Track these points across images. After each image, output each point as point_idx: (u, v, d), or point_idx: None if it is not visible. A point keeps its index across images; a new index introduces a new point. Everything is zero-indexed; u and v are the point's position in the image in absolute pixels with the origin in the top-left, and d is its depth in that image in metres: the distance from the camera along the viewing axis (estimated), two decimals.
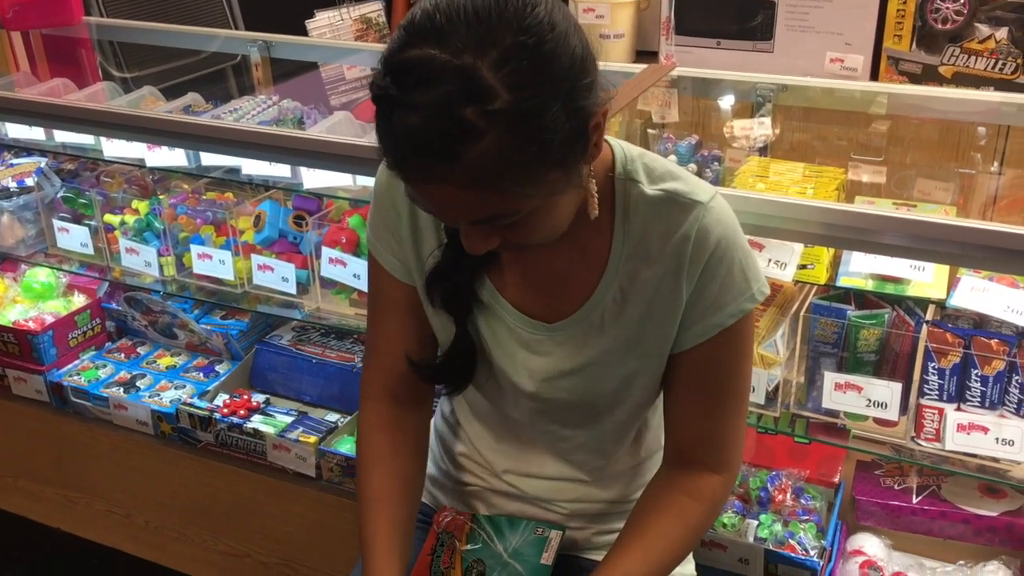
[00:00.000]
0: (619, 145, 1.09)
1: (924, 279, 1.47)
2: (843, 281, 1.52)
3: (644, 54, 2.98)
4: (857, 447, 1.56)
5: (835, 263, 1.55)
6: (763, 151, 2.04)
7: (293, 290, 1.93)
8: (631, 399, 1.18)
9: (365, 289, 1.85)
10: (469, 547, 1.26)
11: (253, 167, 1.92)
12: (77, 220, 2.15)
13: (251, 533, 1.98)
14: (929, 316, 1.49)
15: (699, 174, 1.81)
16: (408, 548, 1.20)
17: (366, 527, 1.19)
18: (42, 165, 2.26)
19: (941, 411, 1.46)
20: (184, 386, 2.08)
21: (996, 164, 2.38)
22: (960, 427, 1.45)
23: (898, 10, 2.72)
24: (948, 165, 2.32)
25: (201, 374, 2.12)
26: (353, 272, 1.85)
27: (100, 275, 2.17)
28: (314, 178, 1.86)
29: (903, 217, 1.37)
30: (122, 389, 2.07)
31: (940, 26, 2.65)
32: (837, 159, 2.12)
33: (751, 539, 1.53)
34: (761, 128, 2.13)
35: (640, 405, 1.20)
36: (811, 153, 2.18)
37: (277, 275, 1.94)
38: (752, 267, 1.10)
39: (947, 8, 2.64)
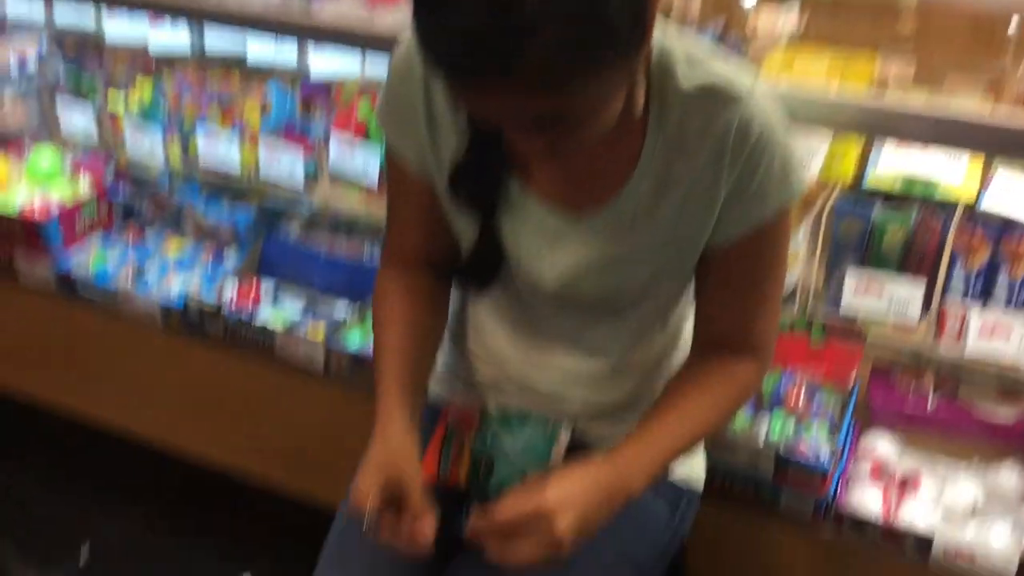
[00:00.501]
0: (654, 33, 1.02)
1: (954, 179, 1.41)
2: (870, 180, 1.46)
3: None
4: (874, 349, 1.54)
5: (863, 160, 1.49)
6: (788, 41, 1.95)
7: (301, 179, 1.88)
8: (658, 295, 1.14)
9: (375, 181, 1.81)
10: (478, 442, 1.24)
11: (259, 54, 1.85)
12: (81, 103, 2.09)
13: (264, 424, 1.98)
14: (958, 215, 1.43)
15: None
16: (422, 402, 1.18)
17: (380, 382, 1.16)
18: (43, 45, 2.18)
19: (964, 313, 1.42)
20: (192, 275, 2.05)
21: None
22: (983, 330, 1.41)
23: None
24: (979, 59, 2.23)
25: (209, 264, 2.09)
26: (362, 161, 1.80)
27: (105, 158, 2.13)
28: (321, 64, 1.80)
29: (937, 106, 1.30)
30: (129, 278, 2.04)
31: None
32: (865, 52, 2.03)
33: (762, 439, 1.51)
34: (787, 18, 2.03)
35: (667, 300, 1.17)
36: (838, 46, 2.09)
37: (285, 164, 1.89)
38: (793, 159, 1.04)
39: None
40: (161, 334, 2.00)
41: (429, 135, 1.11)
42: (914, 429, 1.59)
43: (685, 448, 1.12)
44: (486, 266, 1.13)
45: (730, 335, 1.14)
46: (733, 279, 1.11)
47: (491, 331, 1.24)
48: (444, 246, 1.20)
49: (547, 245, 1.11)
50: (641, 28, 0.86)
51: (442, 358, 1.35)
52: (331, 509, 1.91)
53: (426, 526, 1.05)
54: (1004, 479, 1.49)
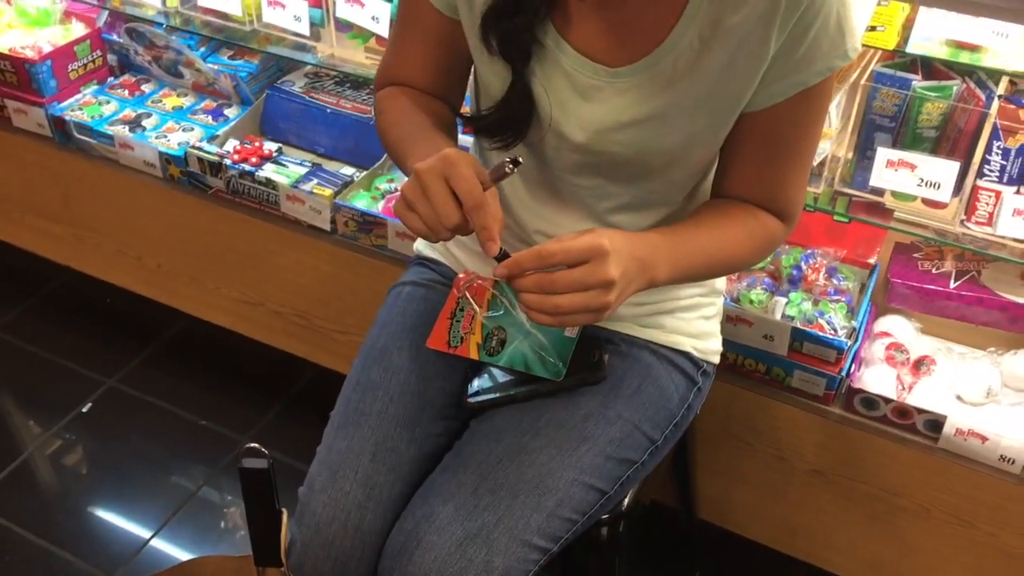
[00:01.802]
0: None
1: (1005, 47, 1.33)
2: (913, 47, 1.38)
3: None
4: (899, 228, 1.49)
5: (907, 27, 1.40)
6: None
7: (306, 30, 1.79)
8: (690, 158, 1.08)
9: (384, 34, 1.71)
10: (490, 313, 1.20)
11: None
12: None
13: (264, 283, 1.95)
14: (1002, 90, 1.36)
15: None
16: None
17: (411, 145, 1.06)
18: None
19: (999, 194, 1.37)
20: (192, 128, 1.97)
21: None
22: (1017, 211, 1.36)
23: None
24: None
25: (209, 117, 2.01)
26: (371, 14, 1.70)
27: (99, 2, 2.01)
28: None
29: None
30: (127, 128, 1.97)
31: None
32: None
33: (779, 316, 1.48)
34: None
35: (698, 164, 1.11)
36: None
37: (288, 12, 1.79)
38: (848, 19, 0.98)
39: None
40: (161, 186, 1.94)
41: None
42: (934, 312, 1.56)
43: (708, 267, 1.08)
44: (516, 118, 1.06)
45: (758, 195, 1.10)
46: (768, 142, 1.05)
47: (510, 190, 1.18)
48: (451, 88, 1.15)
49: (579, 98, 1.04)
50: None
51: None
52: (330, 373, 1.91)
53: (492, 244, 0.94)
54: (1021, 365, 1.47)
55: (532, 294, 0.94)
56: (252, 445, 1.11)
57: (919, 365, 1.49)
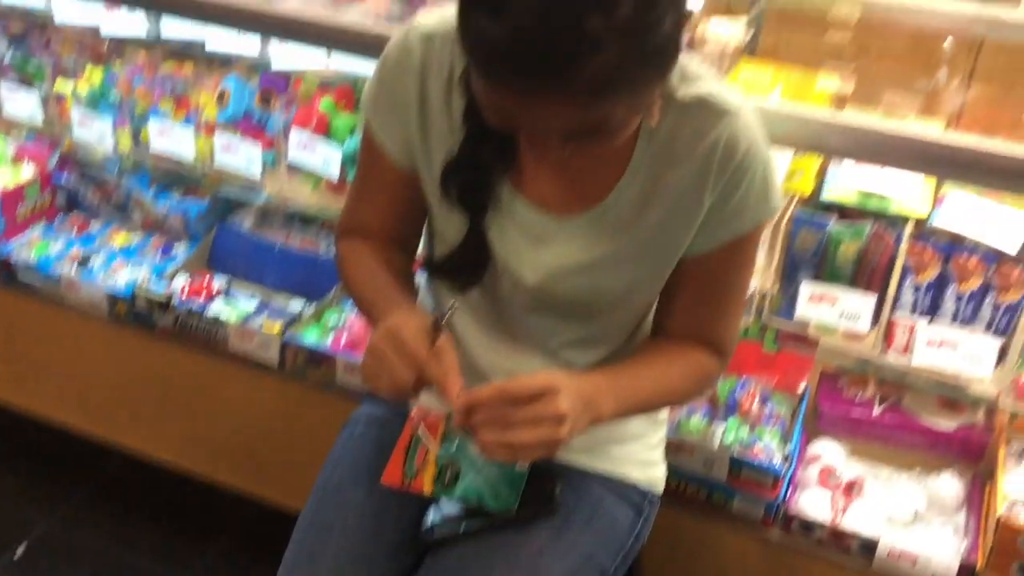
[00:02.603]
0: None
1: (908, 196, 1.46)
2: (827, 194, 1.51)
3: None
4: (825, 357, 1.58)
5: (821, 175, 1.53)
6: (737, 55, 1.99)
7: (258, 172, 1.86)
8: (634, 301, 1.17)
9: (334, 177, 1.79)
10: (444, 448, 1.24)
11: (216, 43, 1.81)
12: (26, 86, 2.03)
13: (211, 419, 1.95)
14: (910, 231, 1.49)
15: None
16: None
17: (377, 300, 1.15)
18: None
19: (912, 326, 1.48)
20: (140, 266, 2.01)
21: (965, 79, 2.37)
22: (930, 342, 1.46)
23: None
24: (917, 78, 2.31)
25: (158, 255, 2.05)
26: (323, 158, 1.78)
27: (50, 144, 2.07)
28: (282, 57, 1.77)
29: (892, 129, 1.35)
30: (75, 267, 1.99)
31: None
32: (809, 66, 2.09)
33: (717, 443, 1.55)
34: (734, 30, 2.08)
35: (641, 306, 1.20)
36: (782, 59, 2.14)
37: (241, 155, 1.86)
38: (772, 180, 1.09)
39: None
40: (107, 325, 1.95)
41: (420, 130, 1.12)
42: (860, 436, 1.65)
43: (650, 403, 1.16)
44: (472, 263, 1.14)
45: (695, 333, 1.18)
46: (703, 286, 1.15)
47: (464, 328, 1.25)
48: (408, 236, 1.23)
49: (531, 245, 1.12)
50: (677, 49, 0.90)
51: None
52: (279, 509, 1.90)
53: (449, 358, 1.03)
54: (944, 487, 1.55)
55: (488, 432, 1.00)
56: None
57: (851, 488, 1.56)
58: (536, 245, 1.12)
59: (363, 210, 1.25)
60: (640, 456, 1.30)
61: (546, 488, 1.21)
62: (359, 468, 1.25)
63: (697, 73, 1.05)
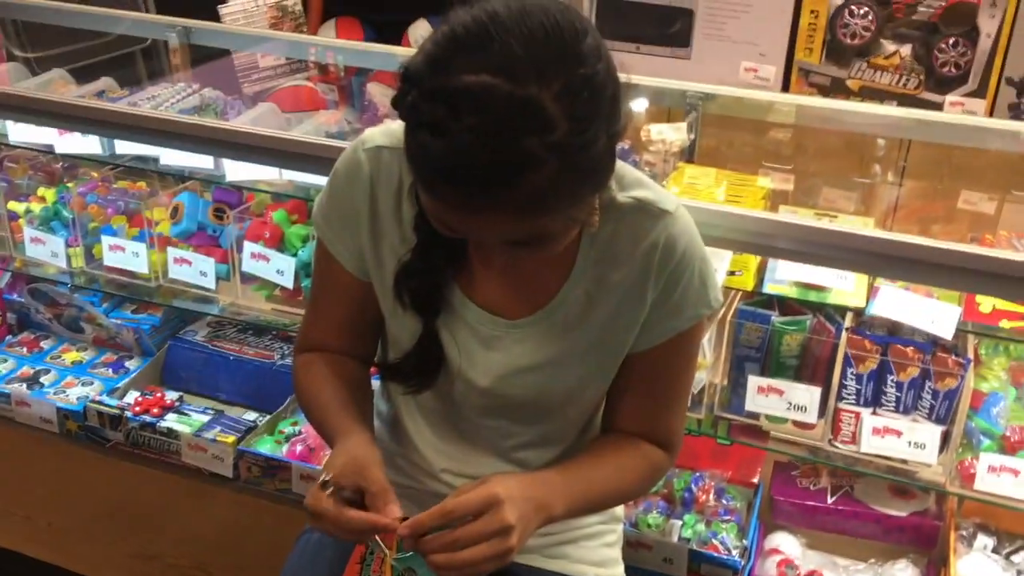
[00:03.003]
0: None
1: (845, 287, 1.52)
2: (768, 288, 1.56)
3: None
4: (776, 448, 1.61)
5: (761, 270, 1.59)
6: (680, 157, 2.08)
7: (212, 284, 1.88)
8: (584, 398, 1.19)
9: (289, 285, 1.81)
10: (399, 555, 1.23)
11: (171, 157, 1.85)
12: None
13: (162, 535, 1.91)
14: (848, 323, 1.54)
15: None
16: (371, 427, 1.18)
17: (329, 419, 1.15)
18: None
19: (858, 415, 1.52)
20: (92, 383, 1.99)
21: (897, 176, 2.49)
22: (875, 430, 1.50)
23: (810, 24, 2.80)
24: (852, 175, 2.42)
25: (110, 370, 2.04)
26: (276, 268, 1.81)
27: (1, 265, 2.07)
28: (236, 171, 1.82)
29: (828, 228, 1.41)
30: (25, 385, 1.97)
31: (849, 41, 2.75)
32: (749, 166, 2.19)
33: (675, 539, 1.56)
34: (676, 133, 2.17)
35: (591, 404, 1.22)
36: (723, 160, 2.24)
37: (195, 269, 1.88)
38: (710, 275, 1.14)
39: (856, 24, 2.74)
40: (56, 441, 1.92)
41: (371, 237, 1.15)
42: (816, 527, 1.66)
43: (601, 500, 1.18)
44: (425, 366, 1.16)
45: (642, 428, 1.20)
46: (648, 380, 1.18)
47: (416, 432, 1.25)
48: (366, 342, 1.24)
49: (483, 348, 1.15)
50: (612, 163, 0.96)
51: None
52: None
53: (392, 506, 1.04)
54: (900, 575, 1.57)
55: (438, 556, 1.01)
56: None
57: None
58: (487, 348, 1.15)
59: (320, 325, 1.26)
60: (598, 555, 1.30)
61: None
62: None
63: (635, 178, 1.11)
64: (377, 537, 1.23)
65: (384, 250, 1.15)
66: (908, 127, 2.10)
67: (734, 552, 1.53)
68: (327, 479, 1.04)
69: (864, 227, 1.56)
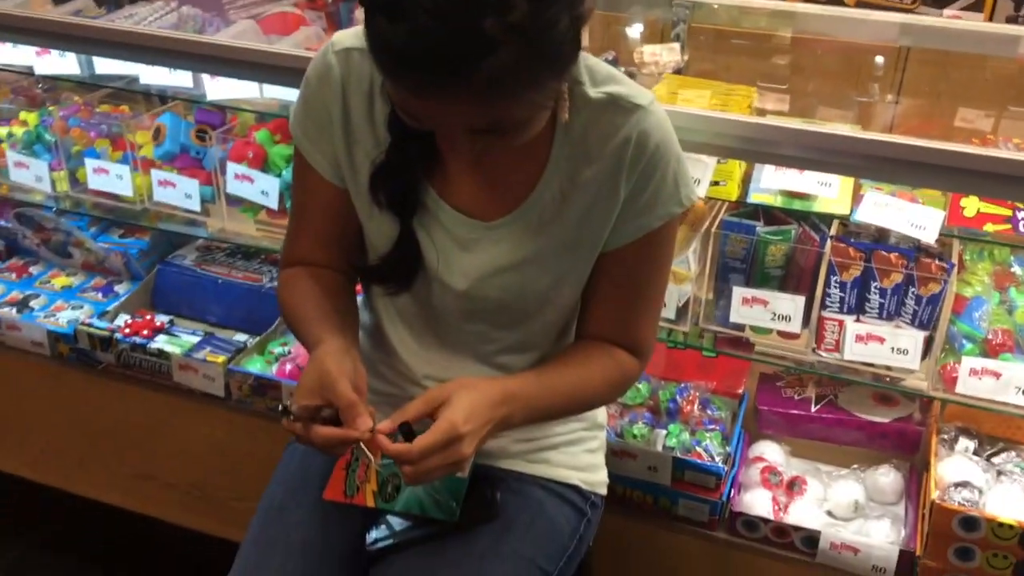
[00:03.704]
0: None
1: (830, 195, 1.51)
2: (753, 197, 1.55)
3: None
4: (760, 358, 1.62)
5: (746, 180, 1.58)
6: (674, 77, 2.04)
7: (197, 207, 1.87)
8: (560, 299, 1.19)
9: (274, 206, 1.81)
10: (384, 460, 1.25)
11: (151, 77, 1.83)
12: None
13: (157, 455, 1.94)
14: (833, 231, 1.54)
15: None
16: (356, 346, 1.18)
17: (310, 331, 1.16)
18: None
19: (841, 323, 1.52)
20: (81, 307, 2.00)
21: (894, 94, 2.46)
22: (858, 338, 1.51)
23: None
24: (849, 92, 2.39)
25: (99, 294, 2.04)
26: (261, 189, 1.80)
27: None
28: (218, 89, 1.79)
29: (811, 130, 1.40)
30: (14, 309, 1.98)
31: None
32: (744, 85, 2.16)
33: (660, 448, 1.57)
34: (670, 54, 2.14)
35: (567, 305, 1.22)
36: (718, 80, 2.21)
37: (179, 191, 1.87)
38: (683, 173, 1.13)
39: None
40: (48, 364, 1.94)
41: (345, 141, 1.14)
42: (800, 436, 1.68)
43: (564, 409, 1.21)
44: (405, 266, 1.16)
45: (613, 333, 1.21)
46: (620, 281, 1.18)
47: (399, 340, 1.26)
48: (348, 253, 1.23)
49: (459, 249, 1.15)
50: (576, 48, 0.94)
51: None
52: (227, 545, 1.87)
53: (361, 419, 1.05)
54: (883, 479, 1.59)
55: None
56: None
57: (792, 486, 1.59)
58: (464, 250, 1.15)
59: (302, 238, 1.26)
60: (580, 460, 1.32)
61: (486, 494, 1.22)
62: (302, 486, 1.26)
63: (608, 74, 1.09)
64: (362, 445, 1.25)
65: (358, 155, 1.14)
66: (906, 34, 2.06)
67: (717, 459, 1.55)
68: (285, 405, 1.06)
69: (848, 129, 1.53)
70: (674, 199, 1.12)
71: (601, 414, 1.38)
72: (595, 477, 1.34)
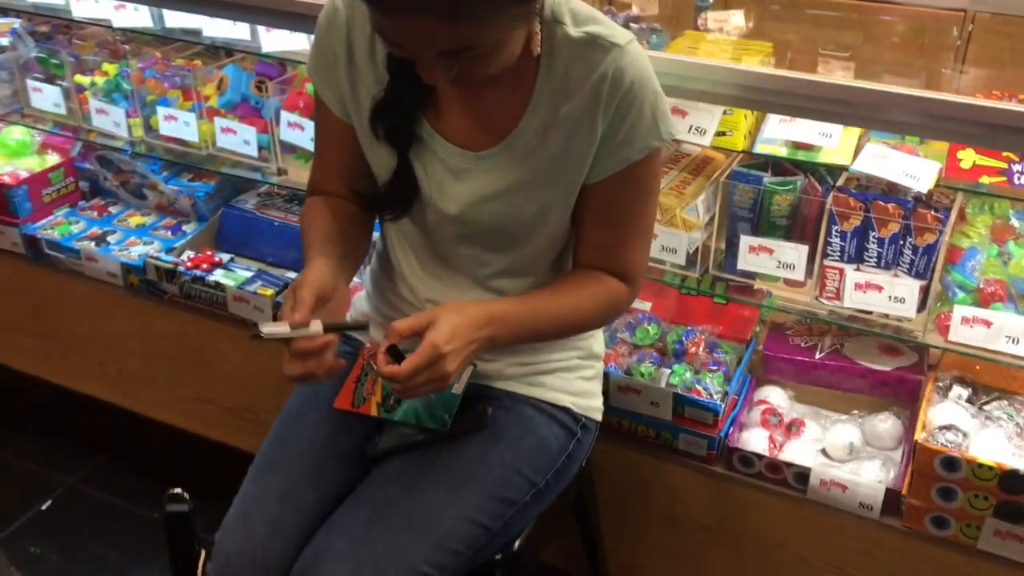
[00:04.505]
0: None
1: (830, 145, 1.56)
2: (760, 148, 1.62)
3: None
4: (767, 304, 1.69)
5: (753, 132, 1.64)
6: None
7: (255, 152, 2.02)
8: (547, 227, 1.29)
9: None
10: None
11: (214, 29, 1.99)
12: (50, 81, 2.23)
13: (214, 380, 2.12)
14: (841, 183, 1.59)
15: None
16: (347, 274, 1.29)
17: (305, 257, 1.27)
18: (16, 26, 2.32)
19: (842, 271, 1.58)
20: (152, 243, 2.19)
21: (959, 61, 2.45)
22: (858, 286, 1.56)
23: None
24: (915, 59, 2.39)
25: (169, 232, 2.23)
26: (310, 136, 1.94)
27: (72, 135, 2.26)
28: (273, 42, 1.94)
29: (805, 78, 1.45)
30: (94, 243, 2.18)
31: None
32: (807, 55, 2.19)
33: (663, 384, 1.66)
34: (735, 20, 2.19)
35: (555, 235, 1.32)
36: (782, 47, 2.24)
37: (239, 138, 2.03)
38: (661, 109, 1.22)
39: None
40: (121, 294, 2.13)
41: (349, 79, 1.27)
42: (804, 382, 1.74)
43: (552, 331, 1.31)
44: (403, 194, 1.29)
45: (602, 261, 1.30)
46: (606, 212, 1.27)
47: (406, 266, 1.39)
48: (361, 182, 1.35)
49: (452, 178, 1.26)
50: None
51: (366, 302, 1.49)
52: None
53: (299, 312, 1.15)
54: (881, 424, 1.64)
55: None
56: (175, 491, 1.26)
57: (791, 427, 1.66)
58: (456, 179, 1.26)
59: (320, 170, 1.40)
60: (574, 386, 1.42)
61: (478, 409, 1.34)
62: (316, 396, 1.40)
63: (589, 15, 1.20)
64: (371, 361, 1.38)
65: (361, 92, 1.26)
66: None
67: (715, 396, 1.63)
68: (254, 333, 1.17)
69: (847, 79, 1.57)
70: (653, 133, 1.21)
71: (597, 344, 1.47)
72: (587, 402, 1.44)
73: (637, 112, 1.19)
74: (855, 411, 1.69)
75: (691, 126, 1.59)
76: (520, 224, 1.28)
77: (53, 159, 2.30)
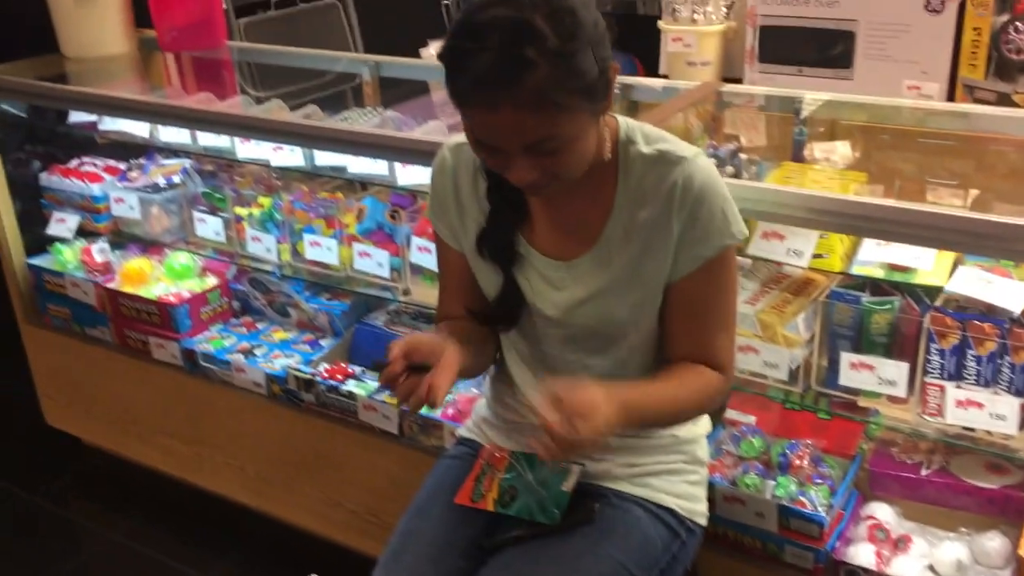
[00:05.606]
0: (622, 118, 1.41)
1: (924, 267, 1.65)
2: (856, 269, 1.71)
3: (729, 80, 3.18)
4: (871, 420, 1.74)
5: (849, 255, 1.74)
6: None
7: (387, 274, 2.23)
8: (641, 325, 1.43)
9: None
10: (506, 476, 1.51)
11: (358, 167, 2.24)
12: (213, 212, 2.52)
13: (343, 484, 2.28)
14: (939, 303, 1.66)
15: (736, 175, 1.96)
16: (467, 362, 1.40)
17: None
18: (186, 165, 2.65)
19: (942, 387, 1.63)
20: (293, 356, 2.40)
21: None
22: (959, 403, 1.61)
23: (973, 40, 2.83)
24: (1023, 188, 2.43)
25: (308, 346, 2.45)
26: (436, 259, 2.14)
27: (229, 259, 2.53)
28: (407, 175, 2.17)
29: (900, 206, 1.56)
30: (243, 356, 2.41)
31: (1014, 56, 2.77)
32: (915, 183, 2.28)
33: (768, 496, 1.72)
34: (841, 149, 2.31)
35: (649, 331, 1.45)
36: (889, 175, 2.34)
37: (374, 260, 2.24)
38: (731, 211, 1.36)
39: (1020, 39, 2.75)
40: (265, 402, 2.34)
41: (458, 214, 1.47)
42: (911, 498, 1.77)
43: (662, 418, 1.42)
44: (510, 305, 1.46)
45: (693, 353, 1.42)
46: (689, 307, 1.41)
47: (520, 376, 1.54)
48: (477, 303, 1.52)
49: (550, 288, 1.43)
50: (604, 82, 1.24)
51: (485, 406, 1.64)
52: None
53: (441, 379, 1.30)
54: (989, 542, 1.65)
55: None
56: None
57: (898, 543, 1.68)
58: (553, 288, 1.43)
59: (445, 297, 1.59)
60: (678, 489, 1.51)
61: (587, 506, 1.44)
62: (441, 491, 1.54)
63: (658, 135, 1.38)
64: (490, 461, 1.52)
65: (468, 222, 1.46)
66: None
67: (820, 509, 1.68)
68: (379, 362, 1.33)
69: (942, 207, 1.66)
70: (726, 232, 1.36)
71: (701, 450, 1.57)
72: (692, 506, 1.52)
73: (708, 213, 1.34)
74: (962, 528, 1.70)
75: (788, 249, 1.70)
76: (614, 324, 1.42)
77: (212, 281, 2.58)
